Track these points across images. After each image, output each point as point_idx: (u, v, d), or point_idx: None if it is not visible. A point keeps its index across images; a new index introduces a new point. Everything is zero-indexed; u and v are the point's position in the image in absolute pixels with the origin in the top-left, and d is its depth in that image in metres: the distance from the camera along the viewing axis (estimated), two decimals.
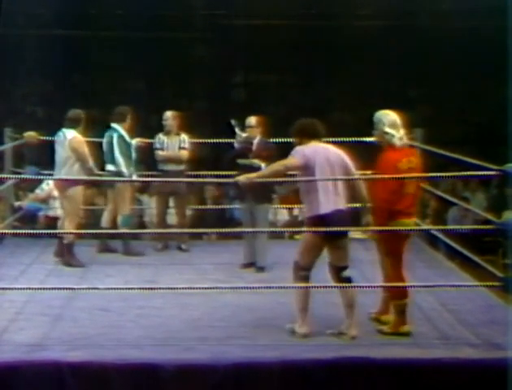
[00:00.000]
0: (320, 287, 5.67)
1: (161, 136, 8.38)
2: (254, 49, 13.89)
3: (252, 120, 7.58)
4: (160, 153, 8.31)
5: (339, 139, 6.74)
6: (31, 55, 12.81)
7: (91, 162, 7.68)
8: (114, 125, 8.07)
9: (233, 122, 7.60)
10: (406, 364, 5.21)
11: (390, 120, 5.64)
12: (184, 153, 8.31)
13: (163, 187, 8.38)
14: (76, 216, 7.70)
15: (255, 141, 7.48)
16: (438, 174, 5.80)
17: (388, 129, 5.62)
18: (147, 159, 8.70)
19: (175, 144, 8.34)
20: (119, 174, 7.88)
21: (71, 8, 13.20)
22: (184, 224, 8.46)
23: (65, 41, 13.29)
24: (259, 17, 13.94)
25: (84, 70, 13.61)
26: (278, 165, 5.70)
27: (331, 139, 6.00)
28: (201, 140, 8.85)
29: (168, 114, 8.43)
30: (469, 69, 13.53)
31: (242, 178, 5.77)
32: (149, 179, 8.29)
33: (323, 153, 5.63)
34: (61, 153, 7.69)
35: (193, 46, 14.53)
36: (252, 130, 7.53)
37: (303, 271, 5.66)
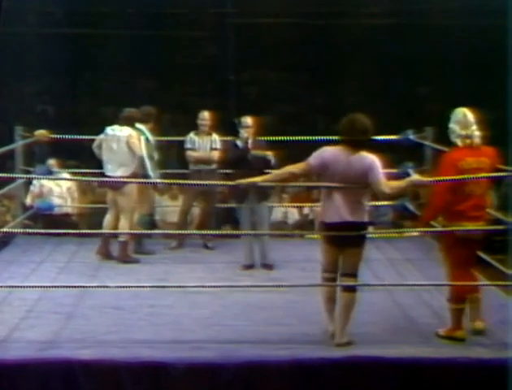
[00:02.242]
0: (325, 285, 5.66)
1: (192, 136, 8.36)
2: (264, 47, 13.89)
3: (248, 120, 7.63)
4: (192, 153, 8.30)
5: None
6: (41, 54, 12.83)
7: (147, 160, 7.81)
8: (139, 126, 8.07)
9: (236, 121, 7.67)
10: (417, 363, 5.20)
11: (457, 117, 5.53)
12: (216, 154, 8.30)
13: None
14: (132, 213, 7.75)
15: (250, 141, 7.56)
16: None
17: (451, 125, 5.55)
18: (170, 158, 8.70)
19: (207, 144, 8.33)
20: (144, 176, 7.88)
21: (82, 6, 13.23)
22: (208, 223, 8.42)
23: (76, 40, 13.32)
24: (268, 16, 13.95)
25: (94, 68, 13.63)
26: (285, 171, 5.56)
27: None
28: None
29: (205, 114, 8.38)
30: (479, 67, 13.50)
31: (245, 181, 5.66)
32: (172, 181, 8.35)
33: (346, 163, 5.36)
34: (115, 150, 7.74)
35: (203, 45, 14.54)
36: (248, 130, 7.59)
37: (325, 273, 5.59)
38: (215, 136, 8.37)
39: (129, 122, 7.83)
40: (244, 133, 7.60)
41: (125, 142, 7.71)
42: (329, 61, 14.02)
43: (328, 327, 5.58)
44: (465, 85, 13.54)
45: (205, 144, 8.32)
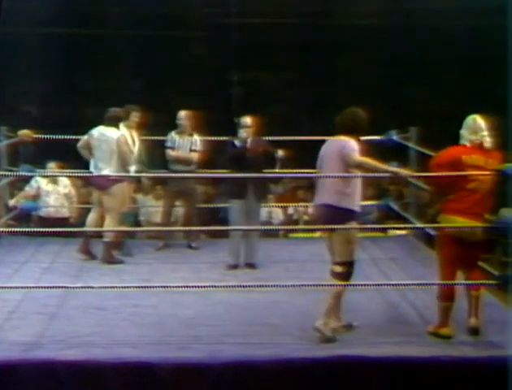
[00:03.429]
0: (305, 286, 5.66)
1: (173, 135, 8.32)
2: (251, 47, 13.88)
3: (248, 120, 7.62)
4: (171, 152, 8.26)
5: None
6: (26, 54, 12.78)
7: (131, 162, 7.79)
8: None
9: (236, 120, 7.69)
10: (402, 362, 5.20)
11: (467, 123, 5.57)
12: (195, 156, 8.27)
13: (173, 186, 8.34)
14: (118, 214, 7.71)
15: (249, 140, 7.54)
16: (432, 174, 5.74)
17: (461, 131, 5.59)
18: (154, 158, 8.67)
19: (187, 144, 8.29)
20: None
21: (68, 6, 13.18)
22: (192, 223, 8.38)
23: (61, 40, 13.26)
24: (256, 16, 13.94)
25: (80, 68, 13.58)
26: None
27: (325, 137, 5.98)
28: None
29: (182, 113, 8.36)
30: (465, 68, 13.54)
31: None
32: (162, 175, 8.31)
33: (326, 147, 5.65)
34: (104, 150, 7.71)
35: (191, 45, 14.51)
36: (248, 130, 7.58)
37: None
38: (196, 138, 8.34)
39: (114, 122, 7.79)
40: (243, 133, 7.60)
41: (115, 144, 7.68)
42: (317, 61, 14.03)
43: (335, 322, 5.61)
44: (450, 86, 13.59)
45: (185, 144, 8.29)
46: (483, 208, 5.52)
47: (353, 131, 5.56)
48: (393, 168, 5.84)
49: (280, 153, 7.58)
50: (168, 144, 8.31)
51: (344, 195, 5.49)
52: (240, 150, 7.53)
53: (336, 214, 5.48)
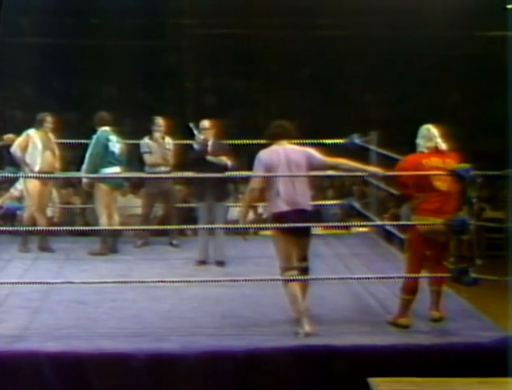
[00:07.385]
0: (278, 280, 5.66)
1: (147, 141, 8.28)
2: (222, 56, 13.91)
3: (205, 123, 7.56)
4: (149, 157, 8.21)
5: (300, 141, 6.72)
6: (11, 61, 12.71)
7: (20, 158, 7.85)
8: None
9: (191, 125, 7.62)
10: (364, 350, 5.23)
11: (422, 133, 5.67)
12: (171, 156, 8.25)
13: (152, 187, 8.31)
14: (31, 208, 7.78)
15: (209, 143, 7.48)
16: (401, 173, 5.80)
17: (417, 140, 5.68)
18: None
19: (162, 147, 8.27)
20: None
21: (50, 17, 13.12)
22: (169, 222, 8.31)
23: (44, 49, 13.21)
24: (226, 27, 13.97)
25: (62, 76, 13.53)
26: (248, 191, 5.65)
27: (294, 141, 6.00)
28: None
29: (160, 120, 8.31)
30: (421, 75, 13.68)
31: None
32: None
33: (284, 155, 5.54)
34: None
35: (164, 54, 14.50)
36: (206, 132, 7.52)
37: (287, 272, 5.55)
38: (168, 140, 8.32)
39: (37, 124, 7.95)
40: (200, 136, 7.52)
41: None
42: (284, 69, 14.09)
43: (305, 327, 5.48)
44: (406, 92, 13.72)
45: (160, 147, 8.27)
46: (453, 207, 5.60)
47: (292, 137, 5.64)
48: (368, 167, 5.78)
49: (225, 159, 7.38)
50: (145, 149, 8.26)
51: (310, 198, 5.57)
52: (199, 153, 7.47)
53: (312, 216, 5.54)
